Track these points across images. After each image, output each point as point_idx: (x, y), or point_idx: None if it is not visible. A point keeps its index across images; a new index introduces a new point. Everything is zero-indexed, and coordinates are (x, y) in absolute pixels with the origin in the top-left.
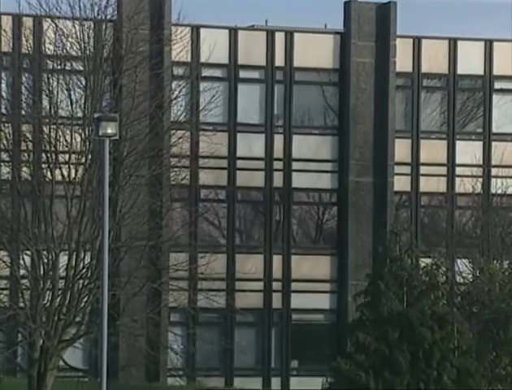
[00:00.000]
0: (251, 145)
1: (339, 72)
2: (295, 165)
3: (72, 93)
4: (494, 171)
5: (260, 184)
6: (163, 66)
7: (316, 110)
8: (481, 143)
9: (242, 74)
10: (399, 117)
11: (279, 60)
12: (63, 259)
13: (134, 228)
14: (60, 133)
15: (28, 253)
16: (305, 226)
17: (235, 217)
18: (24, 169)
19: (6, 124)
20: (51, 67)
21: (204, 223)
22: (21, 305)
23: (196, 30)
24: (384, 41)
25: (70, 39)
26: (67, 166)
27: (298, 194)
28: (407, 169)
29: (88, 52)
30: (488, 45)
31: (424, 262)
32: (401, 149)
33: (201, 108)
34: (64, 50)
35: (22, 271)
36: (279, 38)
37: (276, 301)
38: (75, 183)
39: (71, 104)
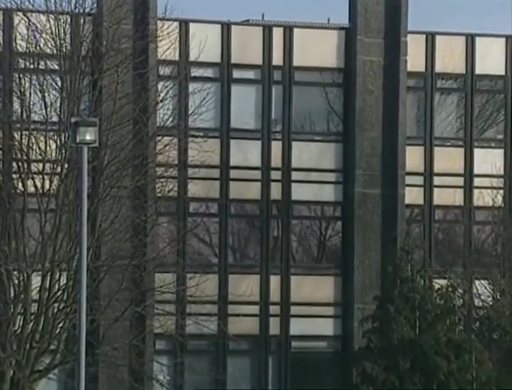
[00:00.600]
0: (246, 153)
1: (343, 72)
2: (295, 175)
3: (47, 94)
4: None
5: (256, 196)
6: (148, 65)
7: (318, 114)
8: (502, 151)
9: (236, 74)
10: (410, 122)
11: (277, 58)
12: (36, 280)
13: (115, 246)
14: (33, 140)
15: None
16: (305, 243)
17: (228, 233)
18: None
19: None
20: (23, 65)
21: (193, 240)
22: None
23: (184, 25)
24: (393, 37)
25: (44, 35)
26: (40, 176)
27: (298, 207)
28: (420, 179)
29: (64, 49)
30: (510, 41)
31: (439, 283)
32: (413, 157)
33: (190, 112)
34: (38, 47)
35: None
36: (277, 34)
37: (274, 326)
38: (50, 195)
39: (46, 107)
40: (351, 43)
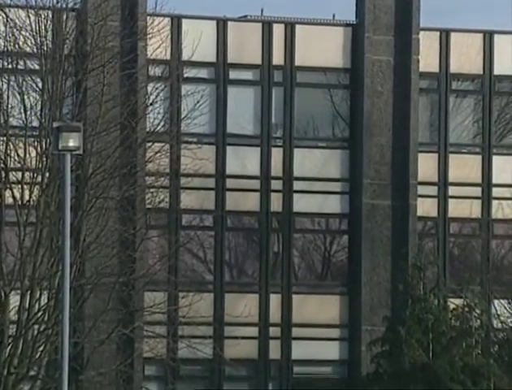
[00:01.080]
0: (244, 161)
1: (350, 72)
2: (297, 185)
3: (26, 97)
4: None
5: (255, 207)
6: (137, 65)
7: (322, 118)
8: None
9: (233, 74)
10: (423, 127)
11: (278, 58)
12: (15, 300)
13: (101, 262)
14: (11, 146)
15: None
16: (309, 258)
17: (224, 248)
18: None
19: None
20: (0, 65)
21: (186, 256)
22: None
23: (177, 21)
24: (404, 34)
25: (23, 32)
26: (19, 186)
27: (301, 220)
28: (433, 190)
29: (45, 48)
30: None
31: (454, 302)
32: (426, 165)
33: (182, 116)
34: (16, 46)
35: None
36: (278, 31)
37: (274, 350)
38: (30, 207)
39: (25, 111)
40: (358, 41)
